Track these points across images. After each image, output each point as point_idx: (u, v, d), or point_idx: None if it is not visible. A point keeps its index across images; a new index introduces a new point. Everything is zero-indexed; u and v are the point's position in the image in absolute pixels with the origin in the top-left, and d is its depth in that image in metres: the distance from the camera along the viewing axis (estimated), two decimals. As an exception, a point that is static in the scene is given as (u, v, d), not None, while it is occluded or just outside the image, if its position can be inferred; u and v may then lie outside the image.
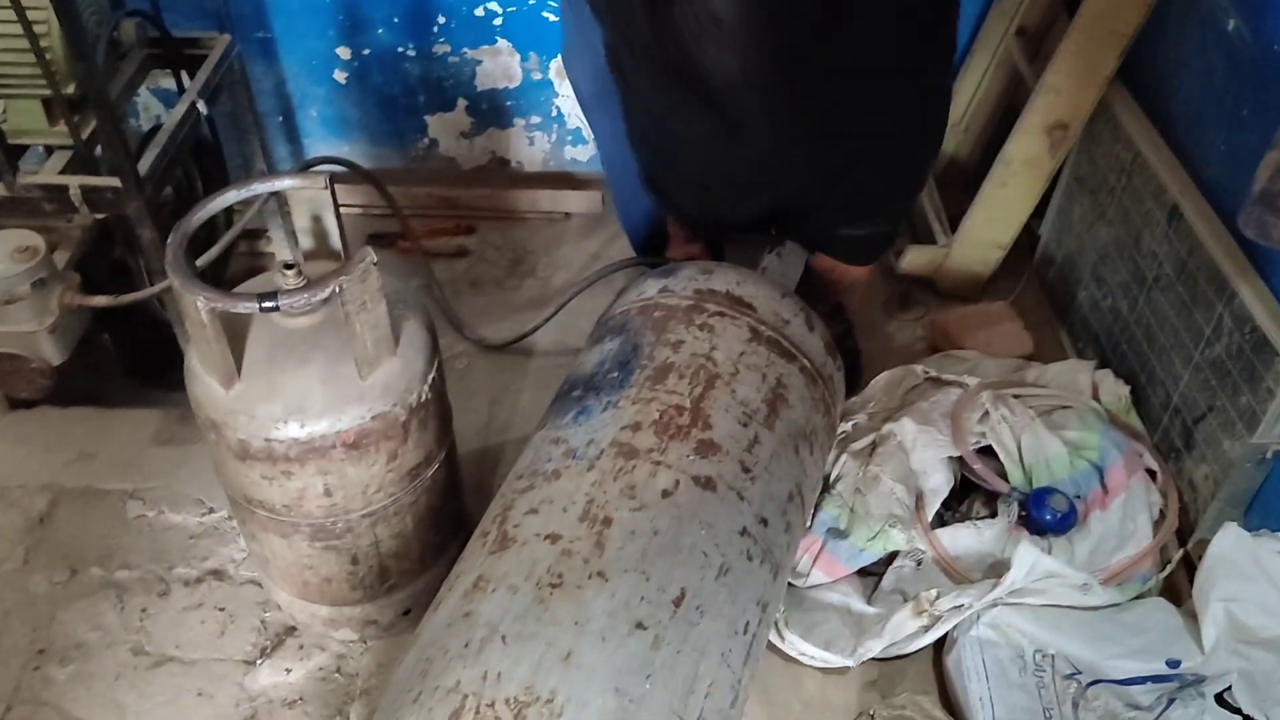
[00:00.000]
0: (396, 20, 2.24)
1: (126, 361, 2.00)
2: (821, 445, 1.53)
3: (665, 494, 1.24)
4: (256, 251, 2.29)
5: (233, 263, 2.22)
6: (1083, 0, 1.88)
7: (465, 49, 2.28)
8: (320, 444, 1.36)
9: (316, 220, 1.52)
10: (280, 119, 2.41)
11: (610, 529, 1.19)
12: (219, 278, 2.12)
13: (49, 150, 1.83)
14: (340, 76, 2.34)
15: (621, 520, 1.20)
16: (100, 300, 1.76)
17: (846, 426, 1.74)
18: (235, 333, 1.37)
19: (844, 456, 1.69)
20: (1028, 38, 2.21)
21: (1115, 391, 1.84)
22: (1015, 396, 1.79)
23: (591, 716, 1.04)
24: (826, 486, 1.67)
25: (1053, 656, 1.48)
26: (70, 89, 1.72)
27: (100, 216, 1.77)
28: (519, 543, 1.20)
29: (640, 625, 1.12)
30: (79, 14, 1.61)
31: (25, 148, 1.83)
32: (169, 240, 1.34)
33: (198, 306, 1.29)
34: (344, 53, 2.30)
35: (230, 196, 1.44)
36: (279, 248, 2.24)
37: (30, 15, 1.59)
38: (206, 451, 1.90)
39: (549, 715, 1.01)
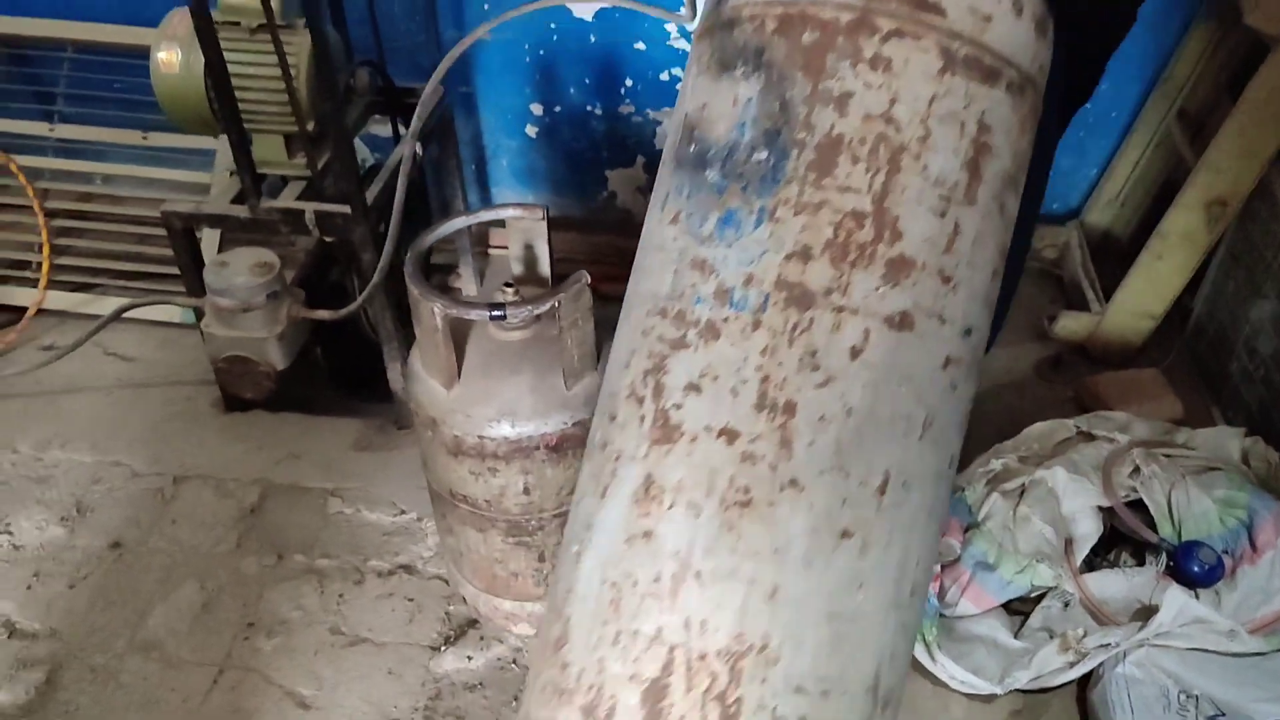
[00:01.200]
0: (587, 81, 2.45)
1: (334, 373, 2.22)
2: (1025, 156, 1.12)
3: (855, 353, 1.00)
4: (446, 286, 2.50)
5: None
6: (1248, 85, 1.97)
7: (648, 109, 2.47)
8: (526, 444, 1.52)
9: (529, 248, 1.70)
10: (474, 166, 2.64)
11: (794, 419, 0.99)
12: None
13: (284, 180, 2.07)
14: (531, 131, 2.56)
15: (807, 404, 0.99)
16: (322, 314, 1.98)
17: (996, 465, 1.83)
18: (455, 342, 1.55)
19: (994, 495, 1.78)
20: (1189, 120, 2.29)
21: (1265, 457, 1.89)
22: (1166, 455, 1.85)
23: (807, 656, 0.97)
24: (976, 524, 1.76)
25: (1197, 697, 1.53)
26: (310, 126, 1.96)
27: (328, 239, 2.00)
28: (687, 437, 1.01)
29: (846, 534, 0.99)
30: (332, 62, 1.85)
31: (264, 177, 2.07)
32: (407, 255, 1.53)
33: (433, 313, 1.47)
34: (537, 109, 2.52)
35: (459, 222, 1.63)
36: (466, 282, 2.46)
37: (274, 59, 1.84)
38: (401, 459, 2.11)
39: (765, 664, 0.96)
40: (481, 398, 1.53)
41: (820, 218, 1.01)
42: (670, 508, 1.00)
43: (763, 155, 1.03)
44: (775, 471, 0.98)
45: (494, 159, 2.63)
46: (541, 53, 2.41)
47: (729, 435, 1.00)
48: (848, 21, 1.01)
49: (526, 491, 1.58)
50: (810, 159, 1.01)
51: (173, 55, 1.93)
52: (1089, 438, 1.92)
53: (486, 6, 2.35)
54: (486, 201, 2.69)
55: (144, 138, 2.51)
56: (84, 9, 2.49)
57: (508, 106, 2.53)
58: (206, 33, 1.72)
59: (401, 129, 2.25)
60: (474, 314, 1.47)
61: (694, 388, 1.02)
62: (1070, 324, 2.29)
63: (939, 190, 1.02)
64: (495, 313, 1.45)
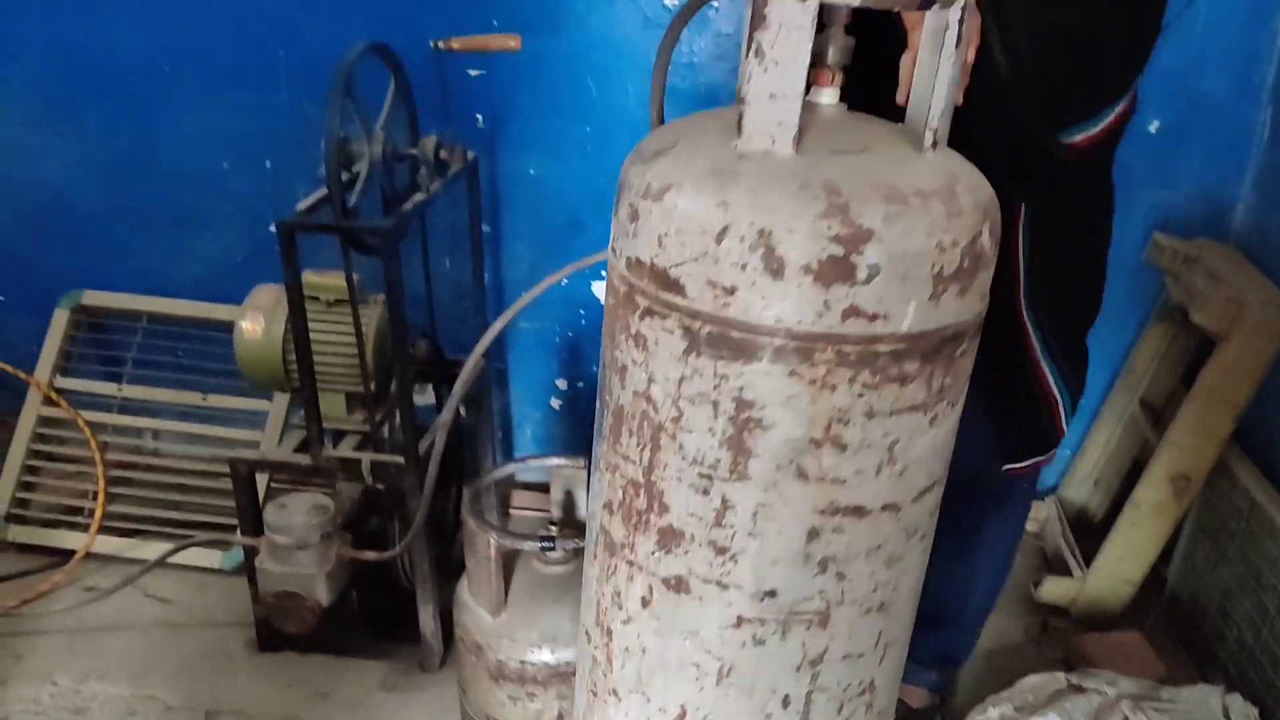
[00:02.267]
0: (610, 359, 2.74)
1: (367, 615, 2.34)
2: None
3: (644, 603, 1.17)
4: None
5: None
6: (1200, 373, 2.25)
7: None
8: (565, 670, 1.66)
9: (568, 494, 1.90)
10: (501, 434, 2.88)
11: (612, 643, 1.23)
12: (448, 554, 2.49)
13: (339, 433, 2.30)
14: (555, 403, 2.82)
15: (619, 633, 1.21)
16: (369, 555, 2.14)
17: (993, 714, 1.95)
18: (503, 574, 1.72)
19: (995, 741, 1.89)
20: (1150, 407, 2.57)
21: (1245, 713, 2.01)
22: (1154, 709, 1.98)
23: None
24: (980, 769, 1.86)
25: None
26: (371, 387, 2.20)
27: (378, 487, 2.19)
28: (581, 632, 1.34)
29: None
30: (406, 333, 2.11)
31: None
32: (465, 493, 1.73)
33: (488, 544, 1.65)
34: (561, 383, 2.79)
35: (510, 468, 1.84)
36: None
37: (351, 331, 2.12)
38: (425, 699, 2.20)
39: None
40: (525, 624, 1.68)
41: (615, 479, 1.16)
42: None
43: (598, 405, 1.20)
44: (606, 679, 1.25)
45: (519, 428, 2.88)
46: (570, 334, 2.71)
47: (588, 636, 1.30)
48: (623, 294, 1.10)
49: (561, 718, 1.69)
50: (610, 422, 1.16)
51: (256, 324, 2.20)
52: (1080, 690, 2.04)
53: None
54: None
55: (203, 399, 2.75)
56: (158, 286, 2.81)
57: (535, 380, 2.81)
58: (297, 306, 2.00)
59: (444, 395, 2.51)
60: (525, 545, 1.65)
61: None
62: (1054, 589, 2.46)
63: (698, 469, 1.08)
64: (545, 544, 1.63)
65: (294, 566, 2.08)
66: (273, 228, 2.66)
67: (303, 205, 2.05)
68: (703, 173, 1.04)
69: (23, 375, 2.77)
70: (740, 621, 1.13)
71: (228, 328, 2.61)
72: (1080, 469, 2.71)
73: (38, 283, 2.84)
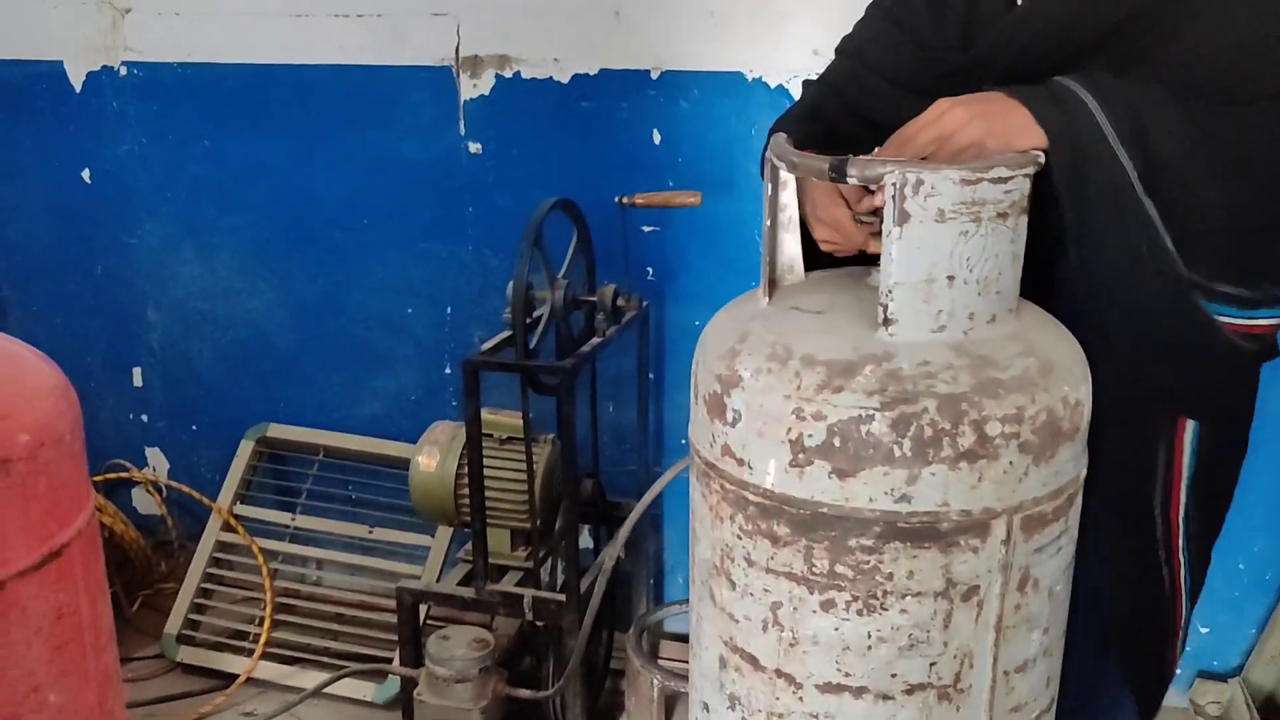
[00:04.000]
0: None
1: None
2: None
3: None
4: (617, 689, 2.64)
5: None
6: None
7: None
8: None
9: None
10: (652, 581, 2.87)
11: None
12: (594, 705, 2.47)
13: (501, 568, 2.34)
14: (709, 553, 2.80)
15: None
16: (524, 693, 2.14)
17: None
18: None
19: None
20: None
21: None
22: None
23: None
24: None
25: None
26: (537, 524, 2.25)
27: (538, 624, 2.21)
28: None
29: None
30: (576, 473, 2.16)
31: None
32: (630, 632, 1.73)
33: (652, 684, 1.64)
34: (716, 534, 2.78)
35: (675, 609, 1.84)
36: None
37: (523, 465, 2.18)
38: None
39: None
40: (685, 770, 1.64)
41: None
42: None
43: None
44: None
45: (671, 574, 2.86)
46: (727, 485, 2.72)
47: None
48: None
49: None
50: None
51: (431, 458, 2.29)
52: None
53: (685, 441, 2.70)
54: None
55: (369, 532, 2.85)
56: (338, 421, 2.96)
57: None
58: (475, 441, 2.08)
59: (601, 537, 2.53)
60: (685, 686, 1.63)
61: None
62: None
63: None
64: (711, 685, 1.61)
65: (452, 700, 2.09)
66: (448, 369, 2.83)
67: (486, 346, 2.15)
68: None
69: (206, 501, 2.93)
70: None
71: (398, 464, 2.73)
72: (1268, 647, 2.53)
73: (228, 413, 3.02)
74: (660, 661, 2.82)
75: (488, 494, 2.19)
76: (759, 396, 1.10)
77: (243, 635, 2.77)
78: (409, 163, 2.73)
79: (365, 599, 2.79)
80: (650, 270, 2.64)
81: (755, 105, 2.48)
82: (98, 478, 3.06)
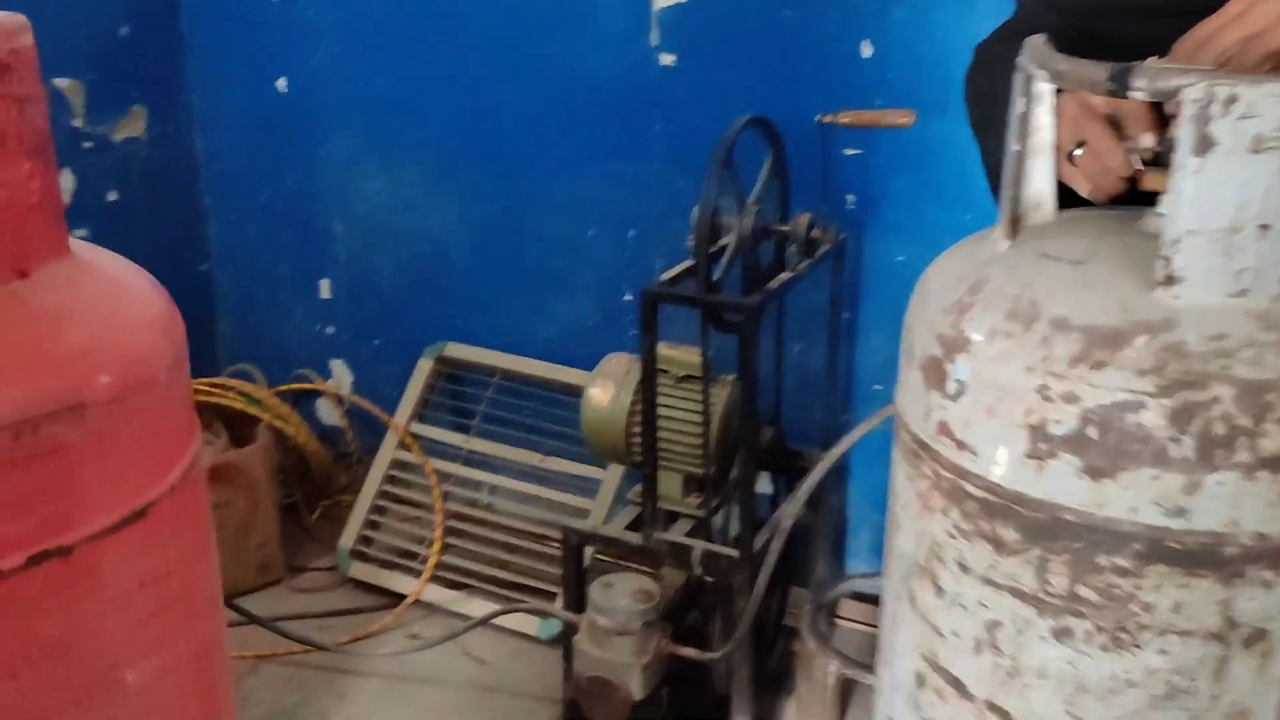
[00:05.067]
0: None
1: (675, 713, 2.20)
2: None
3: None
4: (789, 650, 2.48)
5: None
6: None
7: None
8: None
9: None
10: (832, 541, 2.67)
11: None
12: (763, 669, 2.31)
13: (672, 515, 2.19)
14: (898, 510, 2.58)
15: None
16: (690, 652, 2.00)
17: None
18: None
19: None
20: None
21: None
22: None
23: None
24: None
25: None
26: (711, 470, 2.08)
27: (707, 579, 2.06)
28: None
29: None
30: (756, 418, 1.98)
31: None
32: (806, 609, 1.55)
33: (827, 671, 1.46)
34: (908, 490, 2.55)
35: (857, 583, 1.64)
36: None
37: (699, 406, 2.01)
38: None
39: None
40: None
41: None
42: None
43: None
44: None
45: (855, 532, 2.65)
46: (923, 438, 2.48)
47: None
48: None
49: None
50: None
51: (604, 392, 2.15)
52: None
53: (878, 387, 2.48)
54: (839, 572, 2.69)
55: (541, 460, 2.75)
56: (514, 344, 2.86)
57: (880, 482, 2.58)
58: (650, 378, 1.92)
59: (780, 487, 2.35)
60: (871, 679, 1.44)
61: None
62: None
63: None
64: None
65: (612, 652, 1.97)
66: (628, 296, 2.67)
67: (666, 276, 1.98)
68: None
69: (384, 417, 2.90)
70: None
71: (573, 391, 2.61)
72: None
73: (408, 330, 2.98)
74: (837, 622, 2.64)
75: (660, 435, 2.04)
76: (992, 365, 0.87)
77: (412, 555, 2.75)
78: (595, 76, 2.56)
79: (535, 529, 2.71)
80: (850, 198, 2.39)
81: (979, 14, 2.17)
82: (282, 388, 3.09)
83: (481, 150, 2.75)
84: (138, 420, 1.01)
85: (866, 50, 2.28)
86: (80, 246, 1.18)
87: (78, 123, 2.72)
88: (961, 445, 0.90)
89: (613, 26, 2.50)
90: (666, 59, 2.47)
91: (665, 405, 2.05)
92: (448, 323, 2.94)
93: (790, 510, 2.15)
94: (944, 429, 0.92)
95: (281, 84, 2.90)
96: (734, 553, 1.98)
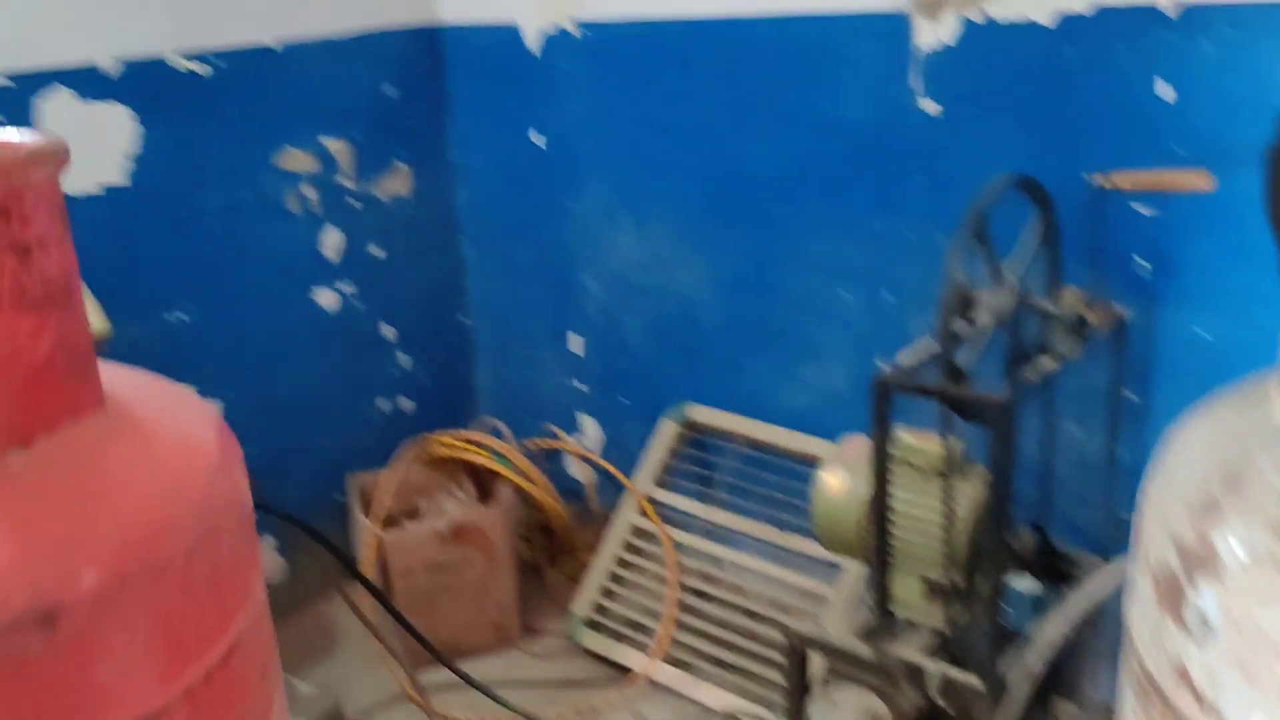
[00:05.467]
0: None
1: None
2: None
3: None
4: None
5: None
6: None
7: None
8: None
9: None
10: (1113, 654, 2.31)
11: None
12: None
13: (909, 623, 1.94)
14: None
15: None
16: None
17: None
18: None
19: None
20: None
21: None
22: None
23: None
24: None
25: None
26: (956, 579, 1.82)
27: (948, 709, 1.80)
28: None
29: None
30: (1007, 523, 1.72)
31: (892, 615, 1.96)
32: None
33: None
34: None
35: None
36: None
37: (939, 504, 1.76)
38: None
39: None
40: None
41: None
42: None
43: None
44: None
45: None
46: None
47: None
48: None
49: None
50: None
51: (838, 479, 1.94)
52: None
53: (1173, 485, 2.11)
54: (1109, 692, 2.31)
55: (782, 537, 2.57)
56: (761, 409, 2.70)
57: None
58: (881, 471, 1.70)
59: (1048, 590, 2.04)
60: None
61: None
62: None
63: None
64: None
65: (831, 776, 1.76)
66: (882, 364, 2.45)
67: (907, 356, 1.76)
68: None
69: (624, 480, 2.82)
70: None
71: (819, 464, 2.41)
72: None
73: (653, 388, 2.90)
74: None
75: (898, 533, 1.81)
76: (1252, 605, 0.61)
77: (644, 629, 2.64)
78: (850, 125, 2.37)
79: (769, 612, 2.53)
80: (1140, 262, 2.05)
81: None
82: (529, 443, 3.09)
83: (731, 205, 2.62)
84: (139, 616, 0.83)
85: (1164, 92, 1.95)
86: (131, 390, 1.04)
87: (346, 182, 2.83)
88: (1205, 706, 0.64)
89: (870, 73, 2.31)
90: (929, 107, 2.24)
91: (904, 500, 1.82)
92: (694, 383, 2.83)
93: (1054, 630, 1.86)
94: (1182, 675, 0.66)
95: (537, 139, 2.91)
96: (978, 683, 1.71)
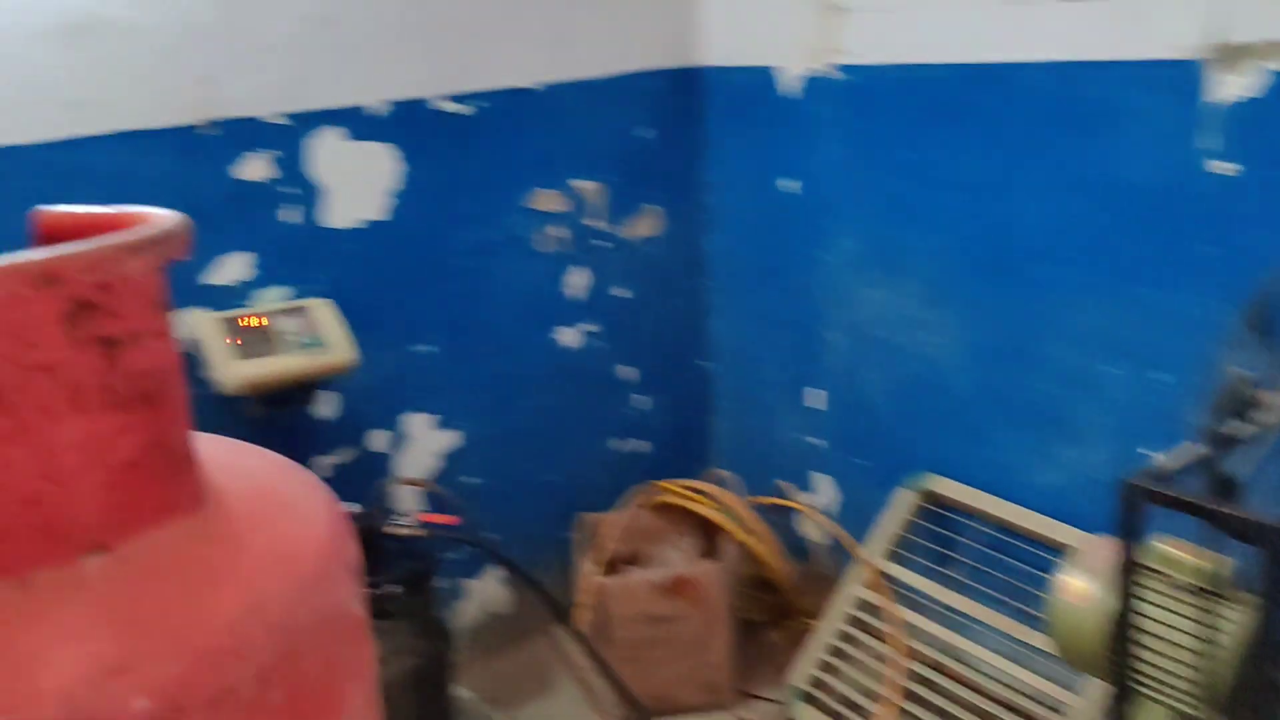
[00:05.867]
0: None
1: None
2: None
3: None
4: None
5: None
6: None
7: None
8: None
9: None
10: None
11: None
12: None
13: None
14: None
15: None
16: None
17: None
18: None
19: None
20: None
21: None
22: None
23: None
24: None
25: None
26: (1212, 716, 1.57)
27: None
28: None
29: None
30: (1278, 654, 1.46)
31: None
32: None
33: None
34: None
35: None
36: None
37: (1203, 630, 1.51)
38: None
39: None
40: None
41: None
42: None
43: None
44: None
45: None
46: None
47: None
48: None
49: None
50: None
51: (1082, 584, 1.73)
52: None
53: None
54: None
55: (1022, 630, 2.33)
56: (1006, 487, 2.48)
57: None
58: (1127, 586, 1.49)
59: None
60: None
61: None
62: None
63: None
64: None
65: None
66: (1148, 453, 2.18)
67: (1170, 458, 1.53)
68: None
69: (855, 548, 2.67)
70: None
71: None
72: None
73: (893, 454, 2.73)
74: None
75: (1145, 656, 1.58)
76: None
77: (861, 710, 2.47)
78: (1127, 185, 2.14)
79: (1002, 714, 2.30)
80: None
81: None
82: (759, 499, 2.99)
83: (989, 264, 2.43)
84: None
85: None
86: (244, 483, 0.97)
87: (596, 223, 2.85)
88: None
89: (1153, 127, 2.07)
90: (1222, 166, 1.98)
91: (1156, 620, 1.59)
92: (936, 451, 2.64)
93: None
94: None
95: (790, 184, 2.83)
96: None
